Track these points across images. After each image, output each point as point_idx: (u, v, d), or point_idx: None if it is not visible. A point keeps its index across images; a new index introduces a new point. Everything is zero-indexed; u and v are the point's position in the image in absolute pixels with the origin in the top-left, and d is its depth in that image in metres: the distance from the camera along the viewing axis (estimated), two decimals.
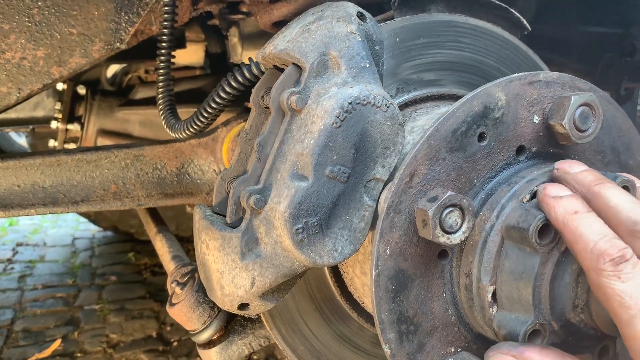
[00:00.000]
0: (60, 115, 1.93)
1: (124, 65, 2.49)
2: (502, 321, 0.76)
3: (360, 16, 0.90)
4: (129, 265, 3.55)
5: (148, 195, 1.43)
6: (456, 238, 0.74)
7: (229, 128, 1.46)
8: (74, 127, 1.92)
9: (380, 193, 0.84)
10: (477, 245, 0.78)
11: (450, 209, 0.73)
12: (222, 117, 1.45)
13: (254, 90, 0.98)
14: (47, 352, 2.54)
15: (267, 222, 0.83)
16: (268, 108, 0.97)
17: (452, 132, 0.78)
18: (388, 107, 0.83)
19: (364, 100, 0.81)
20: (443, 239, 0.73)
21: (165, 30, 1.32)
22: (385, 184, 0.85)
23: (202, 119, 1.20)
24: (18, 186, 1.33)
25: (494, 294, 0.78)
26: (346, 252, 0.83)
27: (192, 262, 1.24)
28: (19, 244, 3.86)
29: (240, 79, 1.12)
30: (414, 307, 0.79)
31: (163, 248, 1.41)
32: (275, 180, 0.84)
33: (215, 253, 0.87)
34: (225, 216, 0.95)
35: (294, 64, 0.89)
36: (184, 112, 1.45)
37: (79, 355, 2.54)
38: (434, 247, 0.79)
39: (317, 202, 0.81)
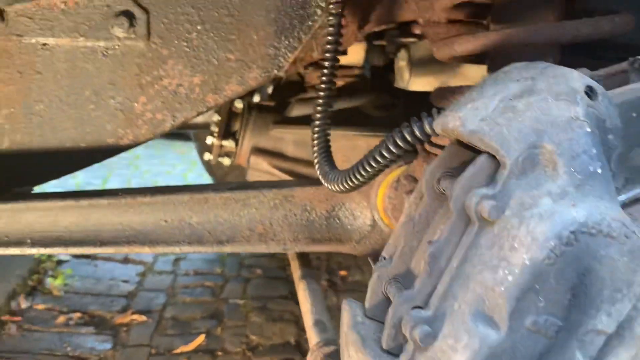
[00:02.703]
0: (216, 130, 1.89)
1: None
2: None
3: (590, 92, 0.65)
4: (274, 259, 3.57)
5: (295, 239, 1.31)
6: None
7: (387, 172, 1.27)
8: (229, 144, 1.87)
9: (604, 349, 0.60)
10: None
11: None
12: None
13: (427, 171, 0.77)
14: (192, 347, 2.60)
15: None
16: (444, 194, 0.76)
17: None
18: (628, 238, 0.58)
19: (592, 228, 0.57)
20: None
21: (328, 56, 1.18)
22: (611, 336, 0.60)
23: (361, 176, 1.03)
24: (165, 221, 1.27)
25: None
26: None
27: (334, 336, 1.08)
28: None
29: (409, 138, 0.92)
30: None
31: (305, 304, 1.28)
32: (451, 312, 0.64)
33: None
34: (378, 321, 0.77)
35: (487, 152, 0.67)
36: (338, 134, 1.30)
37: (219, 354, 2.57)
38: None
39: None
